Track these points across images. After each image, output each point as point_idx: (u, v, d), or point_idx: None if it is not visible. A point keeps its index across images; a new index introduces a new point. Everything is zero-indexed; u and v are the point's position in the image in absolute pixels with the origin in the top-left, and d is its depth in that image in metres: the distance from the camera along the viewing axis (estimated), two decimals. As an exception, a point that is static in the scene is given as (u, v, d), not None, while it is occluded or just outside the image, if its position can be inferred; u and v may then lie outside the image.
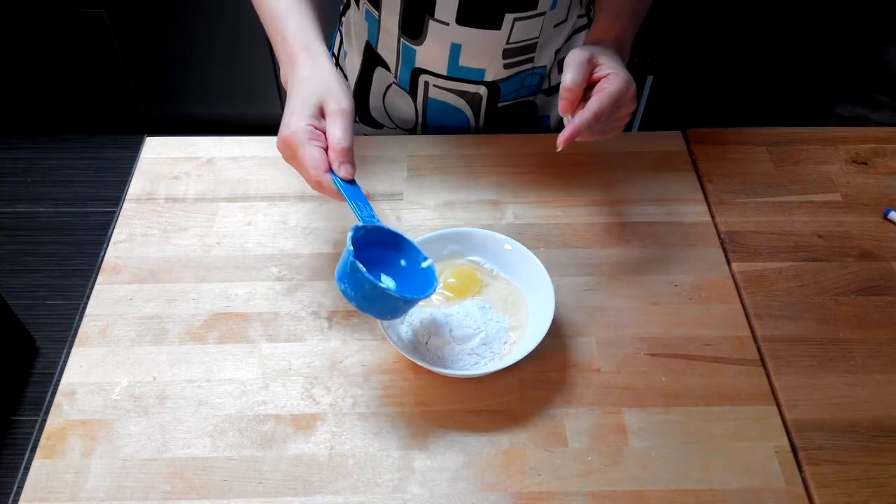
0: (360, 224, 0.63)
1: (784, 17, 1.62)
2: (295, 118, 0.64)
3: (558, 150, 0.66)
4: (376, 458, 0.64)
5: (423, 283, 0.65)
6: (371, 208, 0.65)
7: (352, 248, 0.59)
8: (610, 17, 0.77)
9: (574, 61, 0.67)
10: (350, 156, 0.63)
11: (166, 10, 1.92)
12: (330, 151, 0.63)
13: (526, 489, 0.62)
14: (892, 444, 0.65)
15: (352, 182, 0.65)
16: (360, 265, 0.59)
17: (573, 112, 0.68)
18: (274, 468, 0.63)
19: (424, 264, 0.66)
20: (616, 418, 0.66)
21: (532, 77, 0.90)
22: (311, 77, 0.66)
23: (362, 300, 0.61)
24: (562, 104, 0.67)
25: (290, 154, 0.65)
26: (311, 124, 0.64)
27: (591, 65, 0.68)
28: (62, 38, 1.98)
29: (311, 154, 0.63)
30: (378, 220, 0.64)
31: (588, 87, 0.69)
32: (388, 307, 0.63)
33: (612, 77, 0.67)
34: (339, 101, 0.64)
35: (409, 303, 0.63)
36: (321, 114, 0.65)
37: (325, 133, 0.64)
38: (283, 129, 0.64)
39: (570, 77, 0.66)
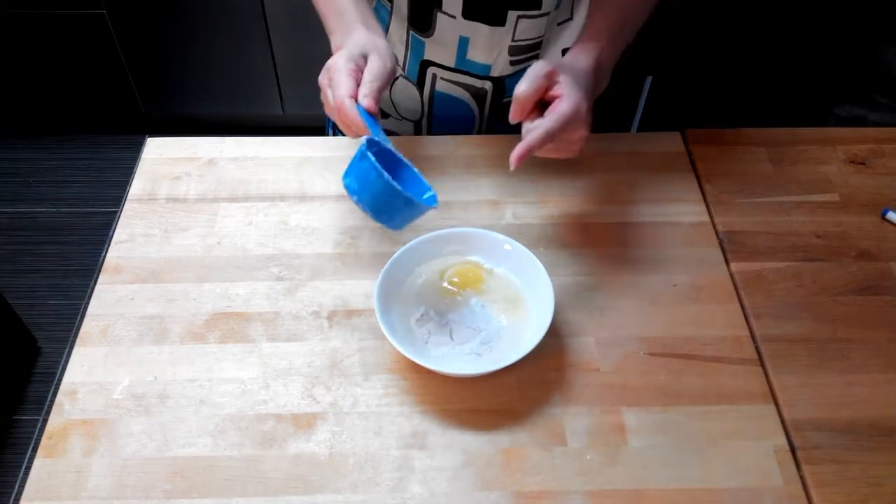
0: (375, 139, 0.67)
1: (783, 17, 1.63)
2: (339, 56, 0.71)
3: (511, 169, 0.66)
4: (376, 457, 0.64)
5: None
6: (388, 141, 0.68)
7: (365, 140, 0.65)
8: (590, 38, 0.76)
9: (531, 72, 0.68)
10: (375, 93, 0.69)
11: (167, 10, 1.92)
12: (361, 85, 0.69)
13: (525, 488, 0.62)
14: (890, 443, 0.65)
15: (373, 117, 0.69)
16: (371, 154, 0.63)
17: (523, 121, 0.69)
18: (275, 467, 0.63)
19: (426, 195, 0.70)
20: (615, 417, 0.66)
21: None
22: (365, 38, 0.73)
23: (364, 192, 0.65)
24: (511, 112, 0.69)
25: (327, 81, 0.71)
26: (352, 61, 0.70)
27: (549, 80, 0.68)
28: (63, 39, 1.98)
29: (342, 80, 0.69)
30: (392, 148, 0.69)
31: (545, 104, 0.69)
32: (388, 203, 0.65)
33: (564, 98, 0.67)
34: (382, 56, 0.71)
35: (410, 205, 0.65)
36: (363, 61, 0.71)
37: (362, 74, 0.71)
38: (327, 63, 0.72)
39: (522, 88, 0.67)
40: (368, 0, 0.91)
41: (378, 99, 0.69)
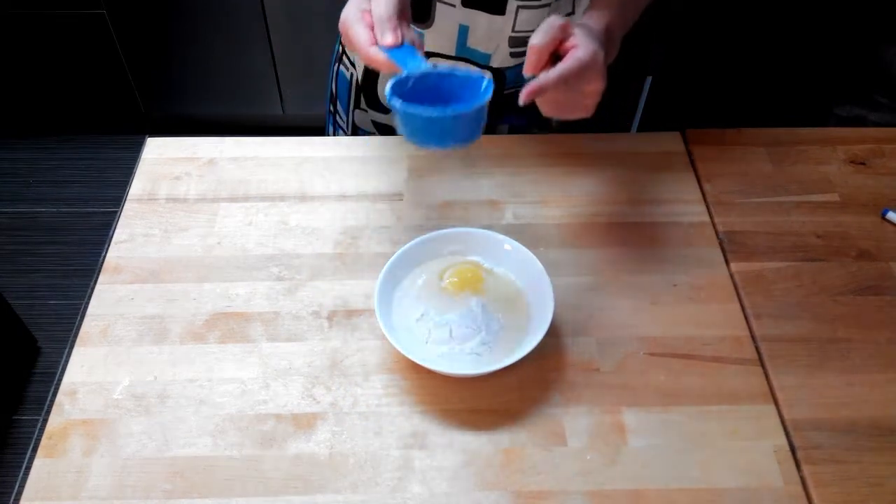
0: (405, 75, 0.64)
1: (783, 17, 1.63)
2: (347, 9, 0.69)
3: (521, 104, 0.66)
4: (376, 457, 0.64)
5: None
6: (423, 62, 0.66)
7: (389, 88, 0.62)
8: (599, 9, 0.75)
9: (545, 24, 0.67)
10: (390, 24, 0.65)
11: (167, 10, 1.92)
12: (374, 26, 0.67)
13: (525, 488, 0.62)
14: (890, 443, 0.65)
15: (400, 46, 0.66)
16: (397, 100, 0.61)
17: (537, 74, 0.67)
18: (275, 467, 0.63)
19: (483, 85, 0.66)
20: (615, 417, 0.66)
21: None
22: None
23: (417, 133, 0.63)
24: (526, 64, 0.67)
25: (347, 39, 0.69)
26: (358, 9, 0.68)
27: (564, 32, 0.67)
28: (63, 39, 1.98)
29: (358, 32, 0.67)
30: (428, 67, 0.65)
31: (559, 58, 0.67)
32: (441, 130, 0.63)
33: (580, 47, 0.66)
34: None
35: (461, 117, 0.63)
36: (369, 2, 0.68)
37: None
38: (339, 24, 0.70)
39: (537, 38, 0.66)
40: None
41: (396, 26, 0.66)
